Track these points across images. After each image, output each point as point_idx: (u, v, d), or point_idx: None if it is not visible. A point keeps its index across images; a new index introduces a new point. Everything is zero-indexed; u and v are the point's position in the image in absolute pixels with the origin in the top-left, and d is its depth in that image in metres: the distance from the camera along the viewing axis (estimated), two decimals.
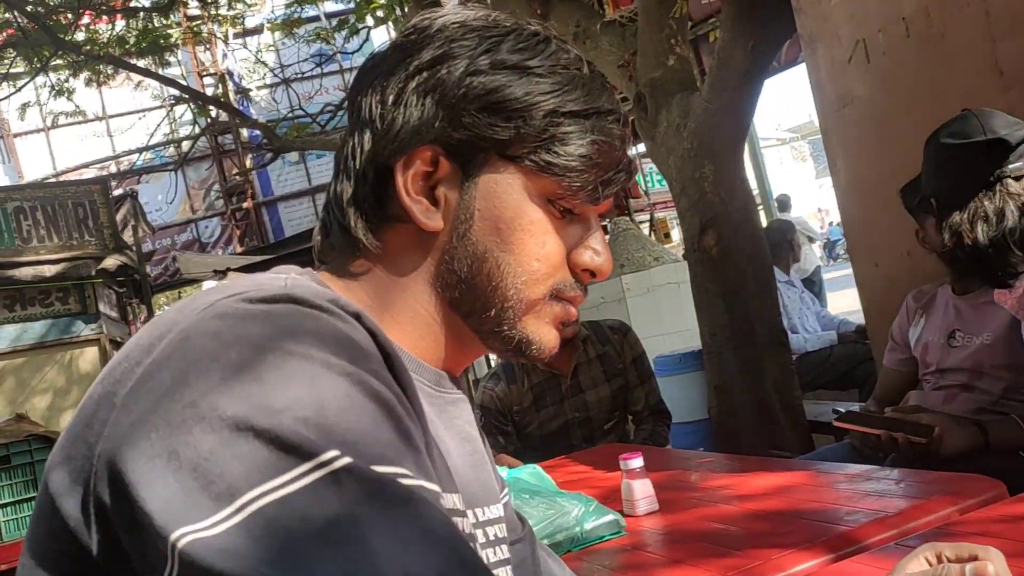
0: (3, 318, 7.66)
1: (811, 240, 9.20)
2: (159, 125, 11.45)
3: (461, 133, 0.71)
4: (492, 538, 0.79)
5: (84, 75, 8.84)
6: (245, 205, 14.02)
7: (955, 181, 1.81)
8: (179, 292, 13.62)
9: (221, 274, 8.47)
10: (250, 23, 12.74)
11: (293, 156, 13.42)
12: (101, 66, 8.51)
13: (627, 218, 7.58)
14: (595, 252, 0.77)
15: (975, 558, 0.72)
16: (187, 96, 9.85)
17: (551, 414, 3.02)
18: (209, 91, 12.98)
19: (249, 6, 10.94)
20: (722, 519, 1.62)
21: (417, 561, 0.49)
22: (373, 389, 0.55)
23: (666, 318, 5.70)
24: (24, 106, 9.44)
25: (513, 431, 3.05)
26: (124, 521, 0.51)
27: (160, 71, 9.28)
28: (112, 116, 13.80)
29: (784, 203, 8.86)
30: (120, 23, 8.73)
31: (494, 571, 0.77)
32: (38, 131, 13.47)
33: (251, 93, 13.66)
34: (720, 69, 3.34)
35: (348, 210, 0.75)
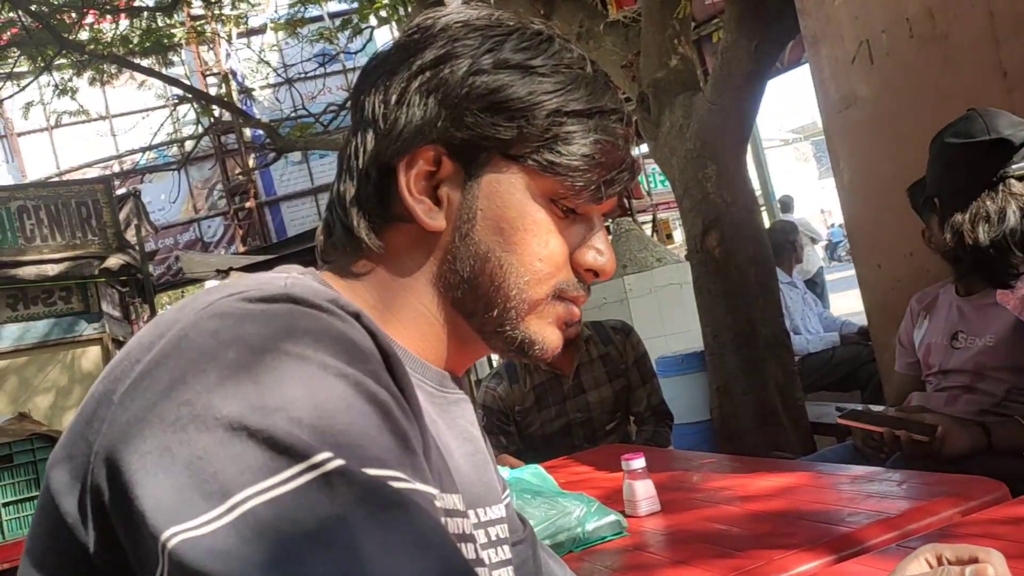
0: (6, 317, 7.67)
1: (814, 241, 9.20)
2: (162, 125, 11.45)
3: (464, 133, 0.71)
4: (494, 538, 0.79)
5: (88, 74, 8.86)
6: (248, 205, 14.02)
7: (958, 180, 1.81)
8: (182, 292, 13.62)
9: (223, 274, 8.48)
10: (254, 23, 12.77)
11: (296, 156, 13.42)
12: (105, 65, 8.53)
13: (630, 218, 7.58)
14: (598, 252, 0.76)
15: (976, 560, 0.72)
16: (190, 96, 9.87)
17: (553, 414, 3.02)
18: (212, 91, 12.99)
19: (253, 6, 10.96)
20: (724, 520, 1.62)
21: (406, 566, 0.49)
22: (370, 391, 0.55)
23: (668, 319, 5.70)
24: (28, 105, 9.48)
25: (515, 431, 3.05)
26: (122, 518, 0.51)
27: (164, 71, 9.30)
28: (115, 115, 13.82)
29: (787, 204, 8.86)
30: (124, 22, 8.75)
31: (496, 571, 0.77)
32: (42, 130, 13.48)
33: (254, 93, 13.65)
34: (723, 69, 3.34)
35: (351, 210, 0.74)
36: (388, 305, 0.75)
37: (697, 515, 1.69)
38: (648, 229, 10.03)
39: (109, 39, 8.50)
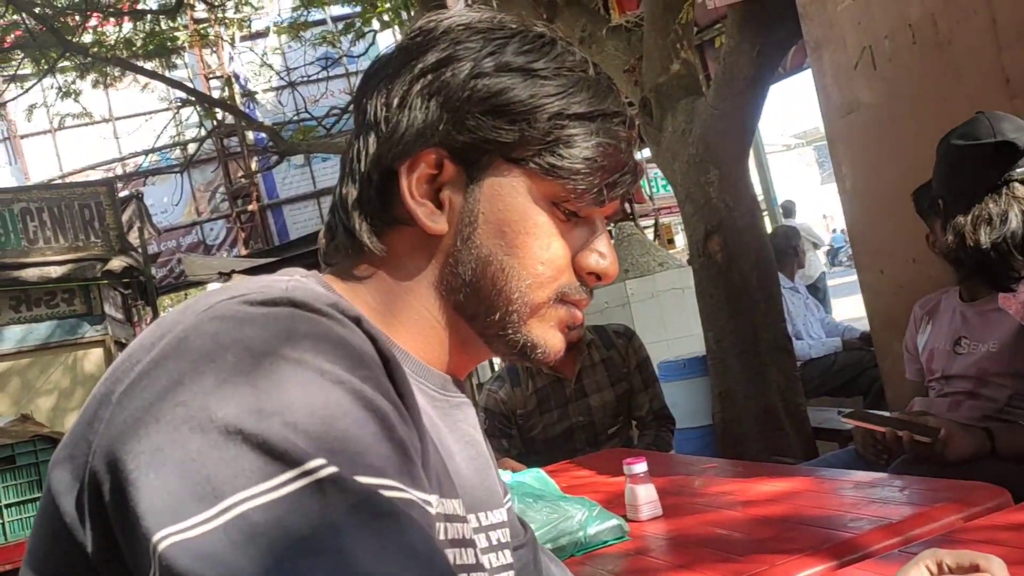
0: (9, 319, 7.67)
1: (816, 246, 9.19)
2: (165, 127, 11.46)
3: (465, 136, 0.71)
4: (495, 543, 0.78)
5: (91, 77, 8.89)
6: (250, 208, 14.03)
7: (962, 182, 1.81)
8: (184, 294, 13.62)
9: (226, 276, 8.49)
10: (257, 26, 12.79)
11: (298, 159, 13.44)
12: (108, 68, 8.55)
13: (632, 223, 7.58)
14: (600, 255, 0.76)
15: (976, 566, 0.72)
16: (193, 99, 9.89)
17: (555, 418, 3.02)
18: (215, 94, 13.02)
19: (256, 9, 10.97)
20: (726, 525, 1.62)
21: (395, 575, 0.49)
22: (367, 398, 0.55)
23: (670, 323, 5.69)
24: (31, 107, 9.49)
25: (517, 435, 3.05)
26: (119, 519, 0.51)
27: (167, 74, 9.32)
28: (118, 118, 13.84)
29: (789, 209, 8.85)
30: (127, 25, 8.77)
31: (497, 575, 0.77)
32: (45, 133, 13.50)
33: (257, 96, 13.68)
34: (726, 74, 3.34)
35: (353, 213, 0.74)
36: (390, 308, 0.75)
37: (699, 520, 1.69)
38: (650, 233, 10.04)
39: (113, 42, 8.52)
